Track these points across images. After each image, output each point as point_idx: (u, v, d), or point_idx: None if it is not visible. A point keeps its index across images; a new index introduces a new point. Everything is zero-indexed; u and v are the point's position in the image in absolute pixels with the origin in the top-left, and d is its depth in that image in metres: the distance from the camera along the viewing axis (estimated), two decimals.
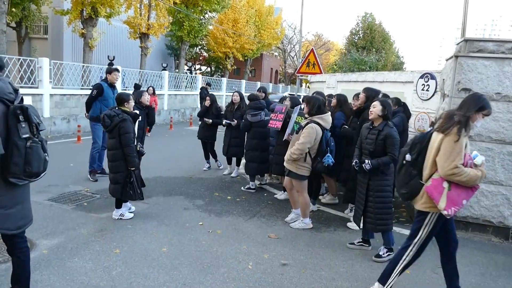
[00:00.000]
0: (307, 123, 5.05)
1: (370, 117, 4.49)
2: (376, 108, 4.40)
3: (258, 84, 32.92)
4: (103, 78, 7.24)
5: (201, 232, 4.96)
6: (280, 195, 6.71)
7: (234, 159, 8.13)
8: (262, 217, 5.70)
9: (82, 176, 7.04)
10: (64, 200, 5.85)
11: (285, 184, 5.54)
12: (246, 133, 7.25)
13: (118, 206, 5.29)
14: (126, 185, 5.08)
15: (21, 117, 2.62)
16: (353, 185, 5.42)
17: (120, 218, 5.24)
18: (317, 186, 6.17)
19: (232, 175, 7.98)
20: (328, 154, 5.07)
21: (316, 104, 5.09)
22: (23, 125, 2.63)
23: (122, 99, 5.14)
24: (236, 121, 7.56)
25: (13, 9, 20.36)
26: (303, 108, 5.34)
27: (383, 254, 4.49)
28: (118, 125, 4.95)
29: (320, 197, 6.53)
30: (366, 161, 4.45)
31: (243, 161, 8.44)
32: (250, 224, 5.39)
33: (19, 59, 12.16)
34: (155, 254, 4.25)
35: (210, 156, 8.48)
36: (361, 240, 4.80)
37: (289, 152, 5.09)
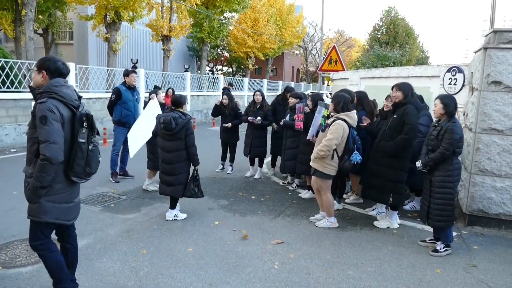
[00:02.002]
0: (334, 120, 5.00)
1: (435, 116, 4.56)
2: (437, 107, 4.45)
3: (280, 83, 32.88)
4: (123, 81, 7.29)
5: (226, 232, 4.96)
6: (305, 194, 6.65)
7: (256, 160, 8.04)
8: (287, 216, 5.66)
9: (109, 178, 7.15)
10: (92, 202, 5.95)
11: (312, 184, 5.47)
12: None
13: (173, 206, 5.39)
14: (190, 183, 5.26)
15: (84, 124, 2.95)
16: (371, 181, 5.33)
17: (174, 219, 5.33)
18: (342, 185, 6.08)
19: (256, 177, 7.86)
20: (356, 151, 4.98)
21: (342, 101, 5.04)
22: (83, 131, 2.96)
23: (180, 101, 5.23)
24: (259, 119, 7.43)
25: (40, 16, 20.94)
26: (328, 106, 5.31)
27: (441, 249, 4.52)
28: (186, 126, 5.07)
29: (344, 196, 6.44)
30: (417, 164, 4.58)
31: (267, 159, 8.41)
32: (275, 223, 5.35)
33: None
34: (181, 254, 4.27)
35: (227, 158, 8.30)
36: (433, 237, 4.78)
37: (316, 149, 5.04)
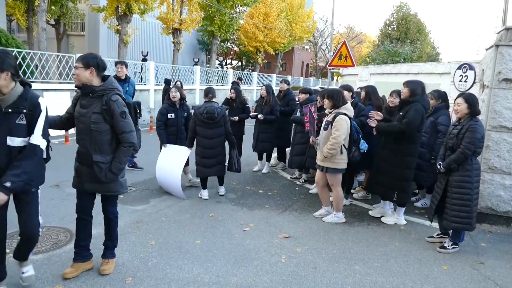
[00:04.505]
0: (335, 116, 5.03)
1: (456, 115, 4.45)
2: (461, 107, 4.33)
3: (289, 78, 32.82)
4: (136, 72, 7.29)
5: (234, 225, 5.00)
6: (313, 189, 6.67)
7: (264, 155, 8.06)
8: (294, 211, 5.69)
9: None
10: None
11: (317, 181, 5.48)
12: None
13: (222, 183, 6.29)
14: (231, 159, 6.16)
15: (138, 110, 3.56)
16: (378, 177, 5.35)
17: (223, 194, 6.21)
18: (349, 181, 6.09)
19: (263, 171, 7.90)
20: (362, 140, 5.08)
21: (340, 96, 5.16)
22: (139, 117, 3.64)
23: (212, 93, 5.93)
24: (262, 115, 7.43)
25: (52, 7, 21.06)
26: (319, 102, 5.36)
27: (448, 246, 4.50)
28: (224, 115, 5.86)
29: (352, 191, 6.45)
30: (438, 166, 4.48)
31: (274, 154, 8.43)
32: (282, 217, 5.38)
33: (58, 55, 12.59)
34: (189, 246, 4.32)
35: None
36: (440, 232, 4.77)
37: (325, 150, 5.02)
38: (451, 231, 4.56)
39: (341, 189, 5.27)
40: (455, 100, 4.49)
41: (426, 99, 5.24)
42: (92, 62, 3.20)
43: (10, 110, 2.82)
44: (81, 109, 3.30)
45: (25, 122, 2.88)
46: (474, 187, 4.38)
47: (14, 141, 2.87)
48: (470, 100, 4.31)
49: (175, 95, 6.19)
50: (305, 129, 6.36)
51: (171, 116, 6.15)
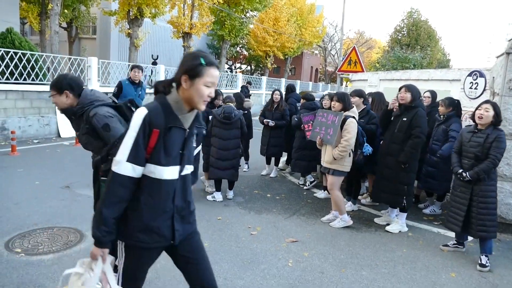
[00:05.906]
0: (345, 119, 5.08)
1: (480, 122, 4.30)
2: (489, 113, 4.22)
3: (298, 83, 32.82)
4: (146, 75, 7.46)
5: (241, 229, 5.02)
6: (320, 193, 6.67)
7: (272, 159, 8.09)
8: (302, 215, 5.70)
9: None
10: None
11: (328, 185, 5.48)
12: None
13: (232, 187, 6.34)
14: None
15: (132, 108, 3.08)
16: (382, 184, 5.28)
17: (233, 196, 6.30)
18: (357, 186, 6.09)
19: (271, 175, 7.91)
20: (366, 144, 5.20)
21: (349, 100, 5.25)
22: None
23: (230, 99, 6.19)
24: (273, 122, 7.48)
25: (65, 11, 21.35)
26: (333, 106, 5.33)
27: (486, 262, 4.31)
28: (241, 118, 6.05)
29: (360, 197, 6.44)
30: (464, 174, 4.31)
31: (283, 158, 8.44)
32: (290, 222, 5.40)
33: (70, 58, 12.74)
34: None
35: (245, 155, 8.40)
36: (455, 242, 4.71)
37: (336, 152, 5.03)
38: (482, 245, 4.38)
39: (339, 192, 5.28)
40: (480, 104, 4.32)
41: (423, 104, 5.31)
42: (64, 84, 2.98)
43: None
44: (76, 131, 3.19)
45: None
46: (496, 195, 4.38)
47: None
48: (498, 109, 4.25)
49: (217, 102, 6.50)
50: (307, 137, 6.36)
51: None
